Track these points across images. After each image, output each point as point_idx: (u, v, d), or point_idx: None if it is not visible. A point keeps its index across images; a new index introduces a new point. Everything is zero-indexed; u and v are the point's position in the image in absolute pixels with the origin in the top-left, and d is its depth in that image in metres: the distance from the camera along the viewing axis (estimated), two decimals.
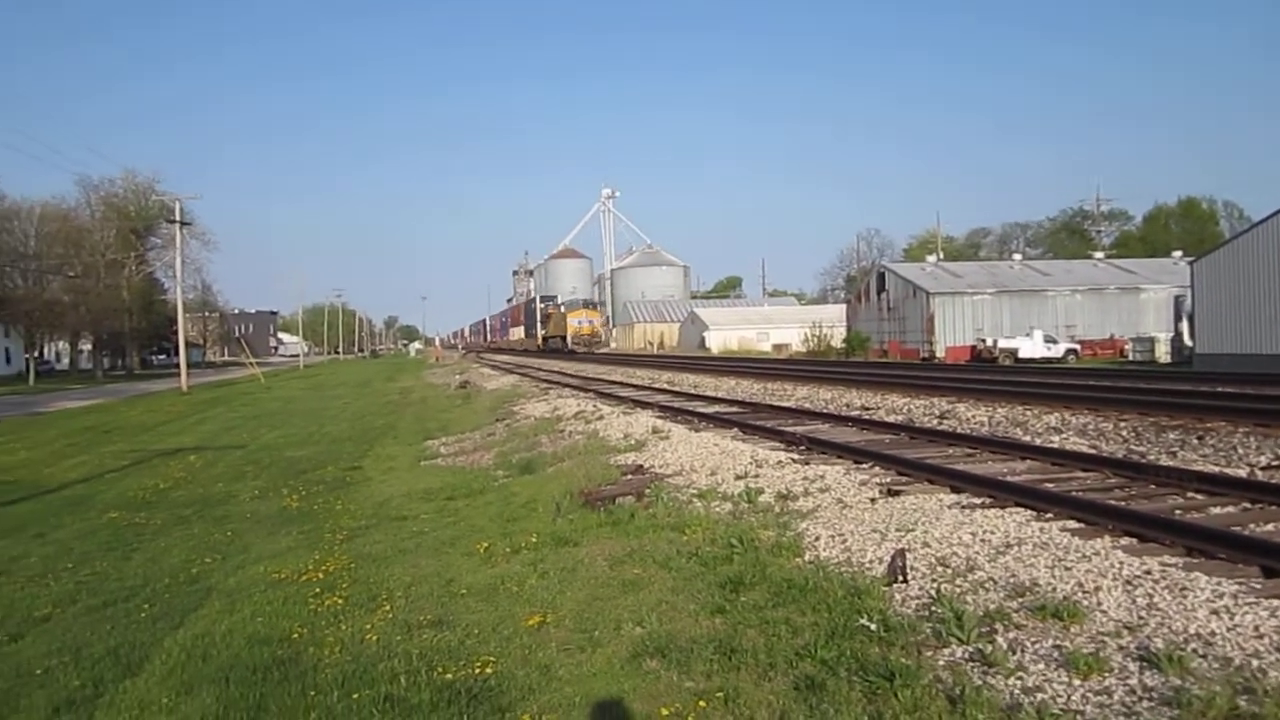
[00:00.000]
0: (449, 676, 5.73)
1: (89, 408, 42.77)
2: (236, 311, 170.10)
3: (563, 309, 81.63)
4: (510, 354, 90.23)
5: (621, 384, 33.62)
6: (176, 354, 65.54)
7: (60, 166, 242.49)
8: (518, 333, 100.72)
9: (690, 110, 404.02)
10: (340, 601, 7.88)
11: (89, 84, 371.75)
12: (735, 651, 5.56)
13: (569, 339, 75.04)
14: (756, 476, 11.46)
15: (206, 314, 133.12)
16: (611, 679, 5.44)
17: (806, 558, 7.62)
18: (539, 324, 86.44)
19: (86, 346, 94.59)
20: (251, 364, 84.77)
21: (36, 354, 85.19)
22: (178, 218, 59.91)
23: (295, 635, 7.01)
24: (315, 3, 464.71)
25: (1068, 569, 6.47)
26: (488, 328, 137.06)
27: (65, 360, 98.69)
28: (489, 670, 5.77)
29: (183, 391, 52.56)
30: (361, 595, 8.07)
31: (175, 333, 67.46)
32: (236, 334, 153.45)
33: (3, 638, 7.83)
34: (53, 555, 11.32)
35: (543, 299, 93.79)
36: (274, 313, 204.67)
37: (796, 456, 12.87)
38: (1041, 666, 4.95)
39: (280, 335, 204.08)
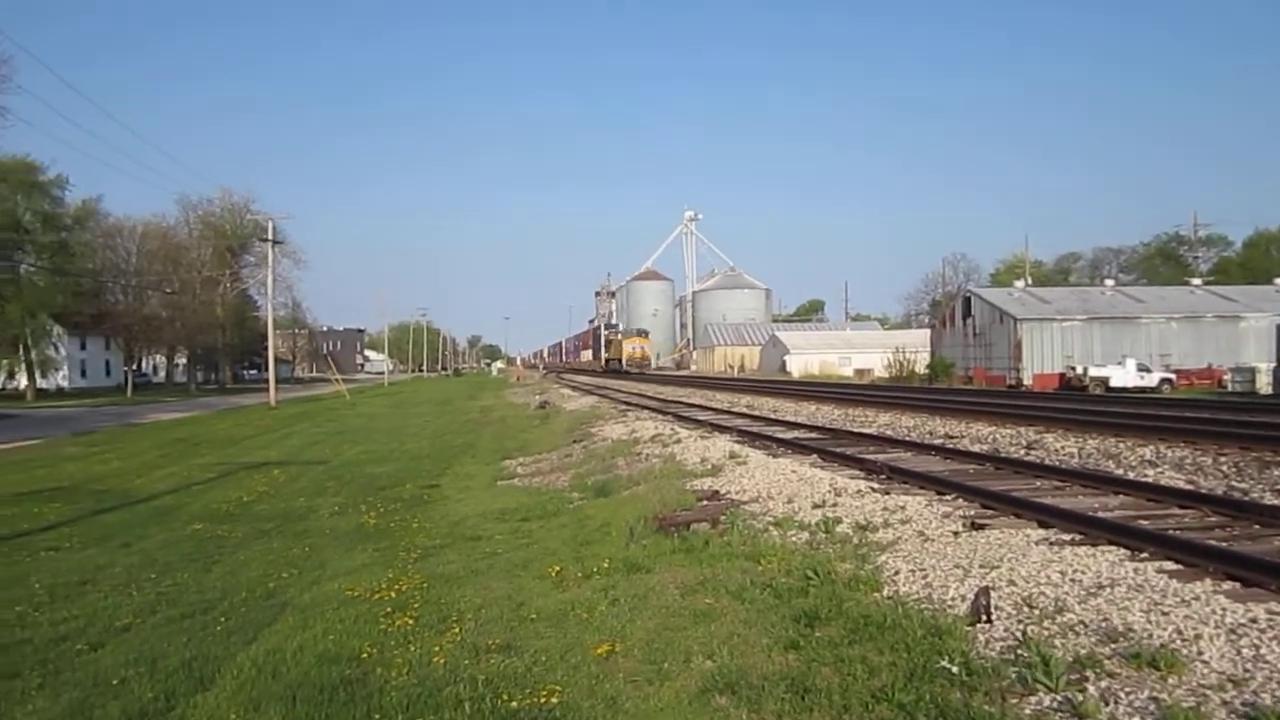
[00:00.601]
0: (513, 705, 5.62)
1: (181, 420, 44.12)
2: (325, 329, 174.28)
3: (620, 336, 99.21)
4: (583, 374, 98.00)
5: (700, 407, 33.45)
6: (267, 369, 67.25)
7: (160, 186, 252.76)
8: (587, 355, 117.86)
9: (774, 132, 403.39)
10: (411, 622, 7.86)
11: (188, 105, 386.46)
12: (808, 691, 5.34)
13: (624, 361, 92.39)
14: (835, 505, 11.18)
15: (296, 331, 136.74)
16: (678, 715, 5.27)
17: (885, 593, 7.34)
18: (603, 348, 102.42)
19: (182, 360, 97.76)
20: (337, 380, 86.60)
21: (135, 367, 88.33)
22: (270, 236, 61.60)
23: (364, 655, 6.99)
24: (394, 13, 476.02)
25: (1165, 614, 6.10)
26: (563, 349, 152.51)
27: (161, 373, 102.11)
28: (554, 700, 5.64)
29: (271, 406, 53.87)
30: (432, 616, 8.04)
31: (266, 348, 69.26)
32: (324, 351, 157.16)
33: (84, 646, 7.97)
34: (137, 565, 11.57)
35: (607, 327, 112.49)
36: (361, 330, 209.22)
37: (877, 485, 12.54)
38: None
39: (366, 352, 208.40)
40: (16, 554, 12.42)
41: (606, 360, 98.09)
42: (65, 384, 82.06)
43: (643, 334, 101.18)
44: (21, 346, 72.97)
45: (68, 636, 8.31)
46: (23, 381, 74.75)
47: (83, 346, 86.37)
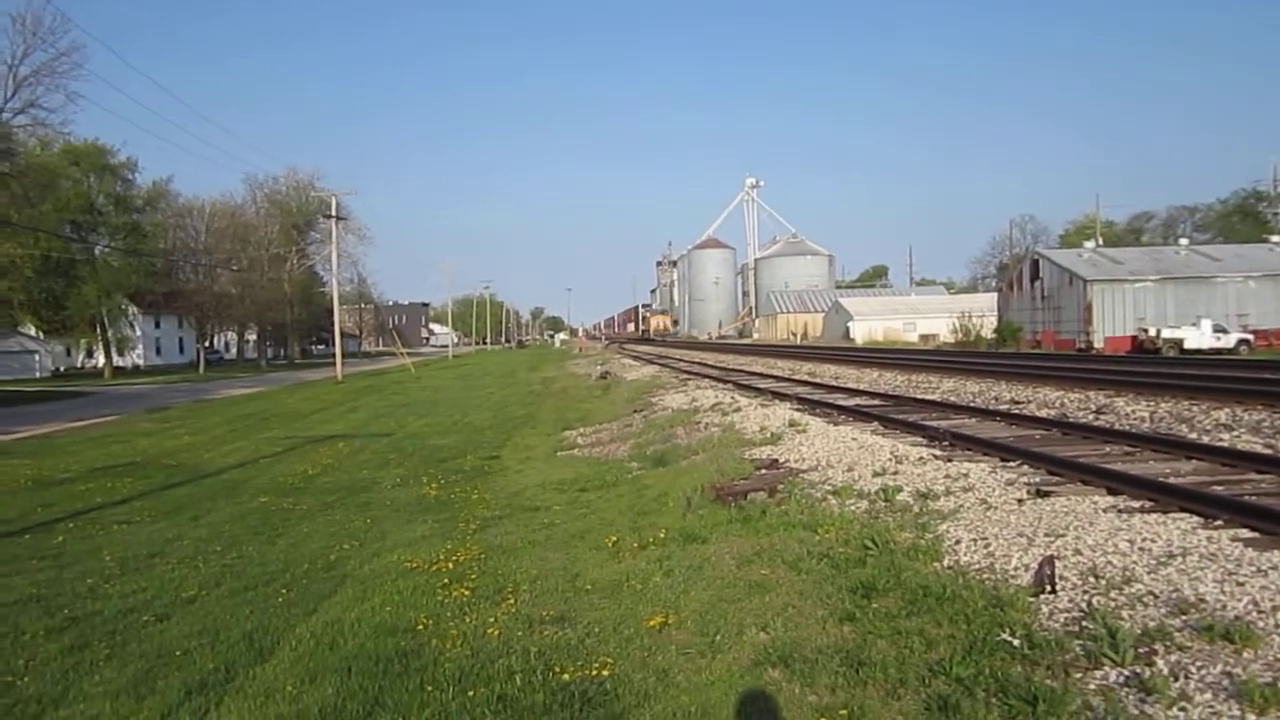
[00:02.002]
0: (565, 677, 5.59)
1: (251, 395, 45.06)
2: (391, 303, 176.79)
3: (650, 314, 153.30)
4: (643, 344, 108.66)
5: (761, 375, 33.25)
6: (334, 344, 68.34)
7: (224, 164, 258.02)
8: (630, 327, 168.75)
9: (836, 97, 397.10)
10: (467, 593, 7.88)
11: (258, 88, 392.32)
12: (864, 664, 5.22)
13: (652, 331, 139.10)
14: (895, 473, 10.99)
15: (362, 306, 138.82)
16: (730, 688, 5.19)
17: (945, 563, 7.17)
18: (640, 322, 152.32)
19: (252, 337, 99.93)
20: (402, 354, 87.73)
21: (207, 344, 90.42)
22: (334, 213, 62.40)
23: (420, 626, 7.02)
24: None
25: (1240, 584, 5.85)
26: (616, 322, 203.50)
27: (233, 350, 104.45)
28: (605, 673, 5.60)
29: (338, 380, 54.81)
30: (488, 587, 8.07)
31: (333, 323, 70.40)
32: (390, 325, 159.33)
33: (150, 618, 8.10)
34: (205, 538, 11.78)
35: (643, 306, 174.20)
36: (426, 304, 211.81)
37: (939, 453, 12.30)
38: (1209, 696, 4.43)
39: (431, 326, 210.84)
40: (90, 528, 12.74)
41: (643, 331, 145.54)
42: (141, 362, 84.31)
43: (666, 313, 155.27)
44: (99, 326, 75.12)
45: (136, 608, 8.46)
46: (101, 360, 76.99)
47: (157, 325, 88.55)
